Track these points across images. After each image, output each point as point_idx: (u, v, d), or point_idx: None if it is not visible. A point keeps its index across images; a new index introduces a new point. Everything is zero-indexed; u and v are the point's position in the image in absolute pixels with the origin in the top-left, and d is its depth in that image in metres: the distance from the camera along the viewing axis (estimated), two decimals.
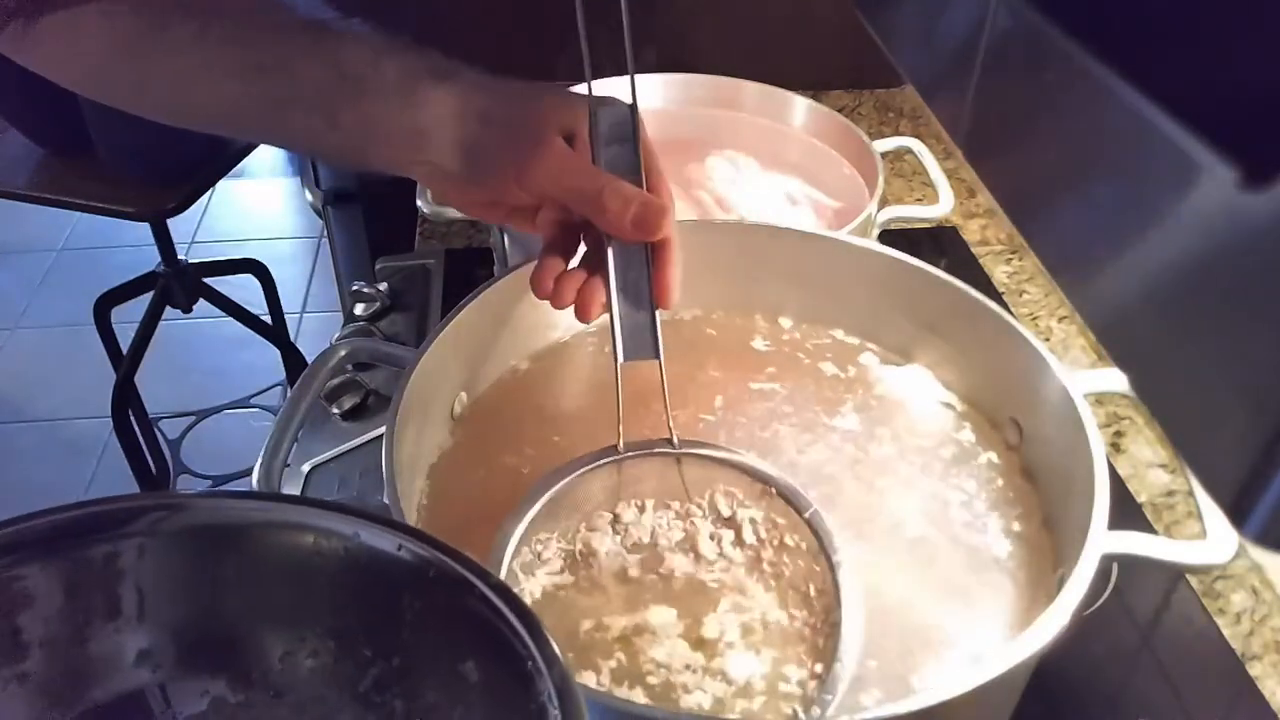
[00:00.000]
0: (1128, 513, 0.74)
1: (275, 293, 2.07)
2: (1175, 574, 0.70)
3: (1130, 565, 0.54)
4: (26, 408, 2.16)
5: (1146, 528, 0.73)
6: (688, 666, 0.50)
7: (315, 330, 2.39)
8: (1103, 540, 0.50)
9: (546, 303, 0.55)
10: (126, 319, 1.96)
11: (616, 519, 0.56)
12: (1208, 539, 0.53)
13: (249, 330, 2.04)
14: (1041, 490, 0.62)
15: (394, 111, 0.54)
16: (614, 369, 0.54)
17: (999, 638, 0.54)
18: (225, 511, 0.36)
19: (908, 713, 0.44)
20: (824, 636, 0.52)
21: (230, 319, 2.03)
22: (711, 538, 0.56)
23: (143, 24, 0.55)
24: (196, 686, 0.35)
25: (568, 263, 0.56)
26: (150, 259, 1.92)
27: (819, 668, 0.51)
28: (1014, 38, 0.33)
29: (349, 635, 0.36)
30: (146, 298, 1.95)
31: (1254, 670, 0.65)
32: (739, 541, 0.56)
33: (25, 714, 0.32)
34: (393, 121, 0.54)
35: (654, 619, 0.52)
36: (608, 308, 0.54)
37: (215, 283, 2.01)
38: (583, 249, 0.57)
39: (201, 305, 1.99)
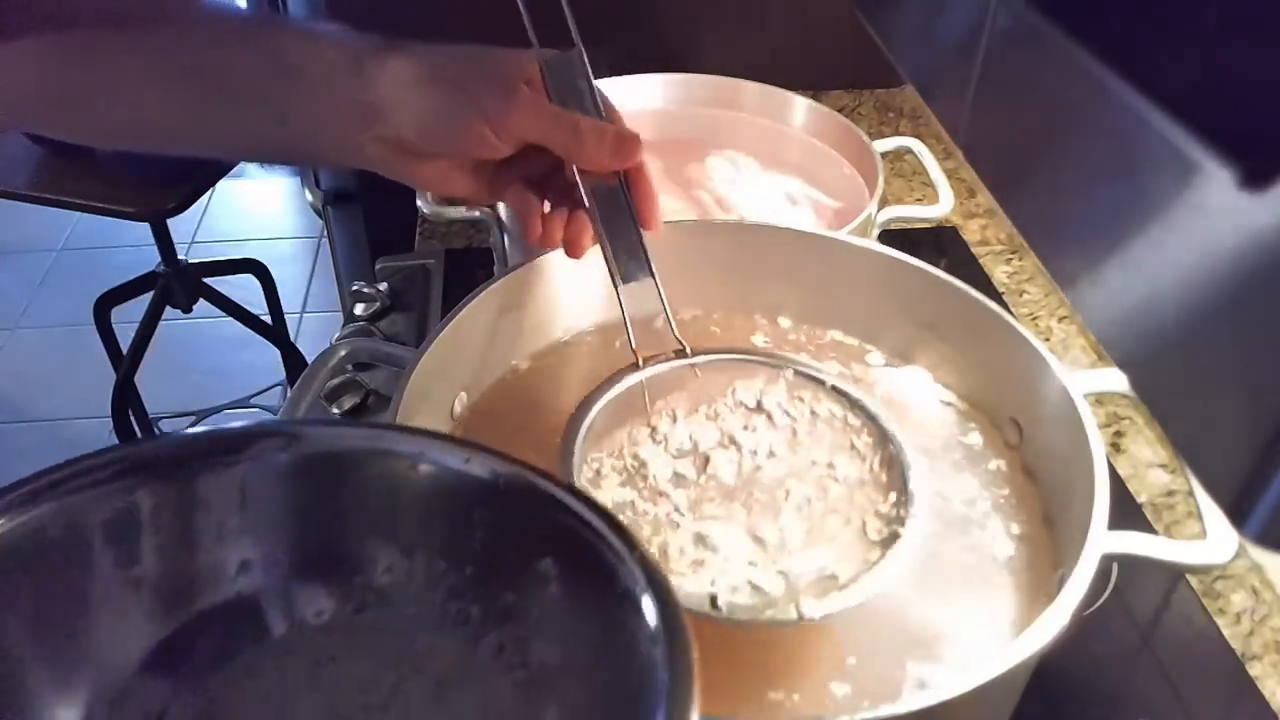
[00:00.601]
0: (1128, 513, 0.74)
1: (275, 293, 2.07)
2: (1175, 574, 0.70)
3: (1130, 565, 0.54)
4: (26, 408, 2.16)
5: (1146, 528, 0.73)
6: (764, 550, 0.53)
7: (315, 330, 2.39)
8: (1103, 540, 0.50)
9: (546, 302, 0.56)
10: (126, 319, 1.97)
11: (654, 431, 0.59)
12: (1208, 539, 0.53)
13: (249, 330, 2.04)
14: (1041, 490, 0.62)
15: (342, 93, 0.53)
16: (615, 294, 0.58)
17: (999, 638, 0.54)
18: (325, 439, 0.40)
19: (908, 713, 0.44)
20: (886, 471, 0.56)
21: (230, 319, 2.03)
22: (746, 428, 0.59)
23: (73, 45, 0.53)
24: (291, 597, 0.39)
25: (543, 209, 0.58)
26: (150, 259, 1.92)
27: (892, 496, 0.55)
28: (1014, 38, 0.33)
29: (432, 549, 0.39)
30: (146, 298, 1.95)
31: (1254, 670, 0.65)
32: (772, 425, 0.60)
33: (140, 616, 0.36)
34: (342, 103, 0.53)
35: (722, 512, 0.55)
36: (597, 238, 0.57)
37: (215, 283, 2.01)
38: (546, 207, 0.59)
39: (201, 305, 2.00)
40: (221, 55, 0.54)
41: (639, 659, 0.33)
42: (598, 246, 0.59)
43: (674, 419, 0.60)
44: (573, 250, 0.58)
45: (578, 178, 0.56)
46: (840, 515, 0.54)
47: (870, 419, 0.59)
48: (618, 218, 0.57)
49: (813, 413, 0.60)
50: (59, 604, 0.35)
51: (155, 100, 0.55)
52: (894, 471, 0.56)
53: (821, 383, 0.61)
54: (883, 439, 0.58)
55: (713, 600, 0.49)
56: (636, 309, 0.59)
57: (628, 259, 0.58)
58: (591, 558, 0.35)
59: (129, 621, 0.36)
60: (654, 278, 0.58)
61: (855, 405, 0.60)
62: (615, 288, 0.58)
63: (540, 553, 0.36)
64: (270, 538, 0.38)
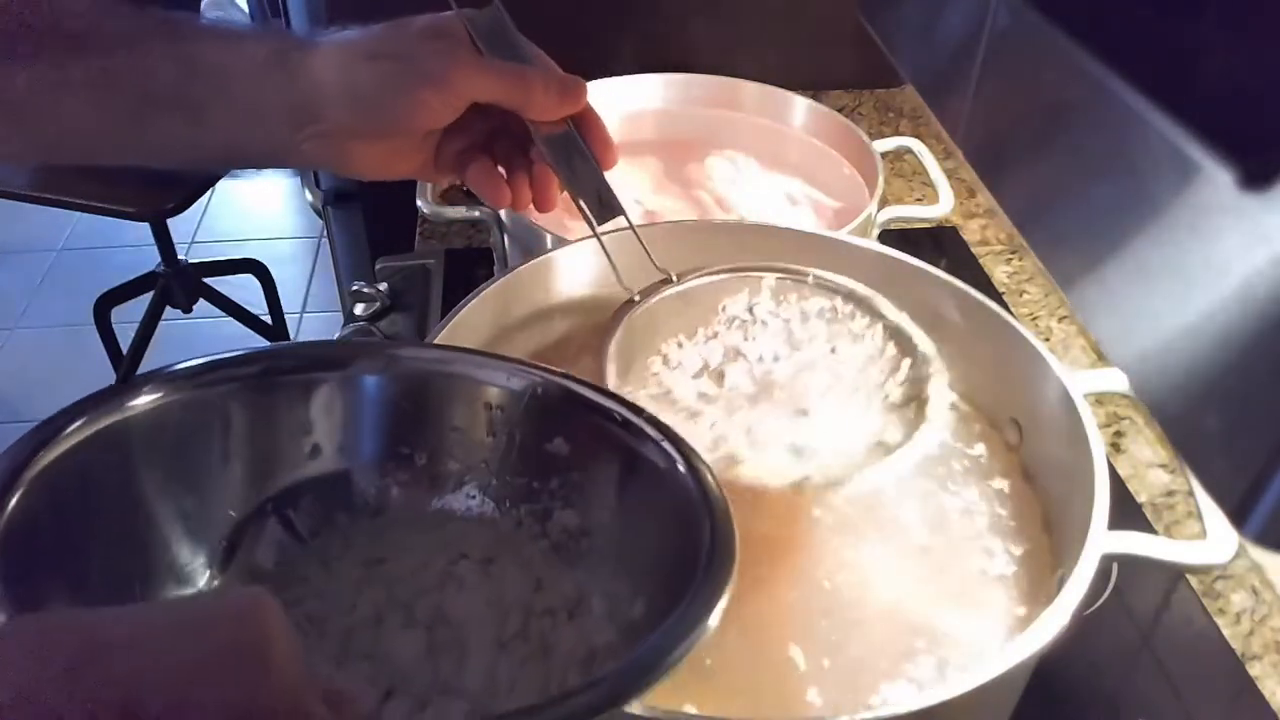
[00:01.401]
0: (1128, 513, 0.74)
1: (275, 293, 2.07)
2: (1175, 574, 0.70)
3: (1130, 565, 0.54)
4: (26, 408, 2.16)
5: (1146, 528, 0.73)
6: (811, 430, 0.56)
7: (315, 330, 2.38)
8: (1103, 540, 0.50)
9: (546, 302, 0.56)
10: (126, 319, 1.97)
11: (666, 359, 0.61)
12: (1208, 539, 0.53)
13: (249, 330, 2.04)
14: (1041, 490, 0.62)
15: (270, 91, 0.51)
16: (595, 237, 0.59)
17: (999, 637, 0.54)
18: (413, 358, 0.48)
19: (908, 713, 0.44)
20: (889, 342, 0.59)
21: (230, 319, 2.03)
22: (746, 339, 0.62)
23: None
24: (374, 478, 0.46)
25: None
26: (150, 259, 1.92)
27: (906, 362, 0.58)
28: (1014, 38, 0.33)
29: (498, 457, 0.46)
30: (146, 298, 1.95)
31: (1254, 670, 0.65)
32: (768, 330, 0.62)
33: (242, 485, 0.43)
34: (269, 102, 0.52)
35: (757, 414, 0.57)
36: (564, 187, 0.58)
37: (215, 283, 2.01)
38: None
39: (201, 305, 2.00)
40: (136, 58, 0.51)
41: (682, 524, 0.39)
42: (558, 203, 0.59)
43: (680, 344, 0.63)
44: (544, 204, 0.58)
45: (532, 130, 0.55)
46: (863, 392, 0.57)
47: (859, 302, 0.61)
48: (577, 163, 0.57)
49: (802, 312, 0.63)
50: (190, 465, 0.42)
51: (67, 110, 0.51)
52: (899, 339, 0.59)
53: (804, 278, 0.63)
54: (876, 316, 0.61)
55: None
56: (616, 249, 0.60)
57: (597, 201, 0.58)
58: (633, 445, 0.43)
59: (232, 488, 0.43)
60: (624, 214, 0.59)
61: (840, 293, 0.62)
62: (593, 231, 0.58)
63: (595, 450, 0.44)
64: (354, 434, 0.46)
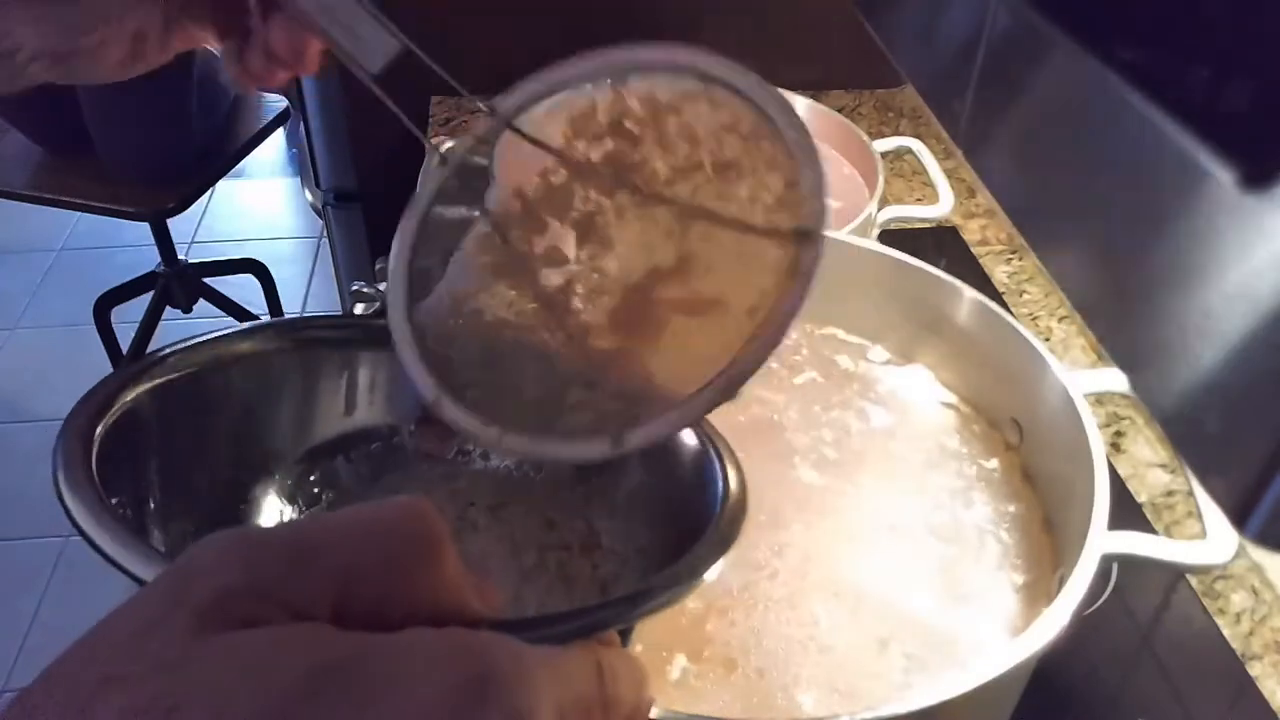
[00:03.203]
0: (1128, 513, 0.74)
1: (275, 293, 2.07)
2: (1175, 574, 0.70)
3: (1130, 565, 0.54)
4: (26, 408, 2.16)
5: (1146, 528, 0.73)
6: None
7: None
8: (1103, 540, 0.50)
9: None
10: (126, 319, 1.96)
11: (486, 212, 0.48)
12: (1208, 539, 0.53)
13: None
14: (1041, 490, 0.62)
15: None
16: (371, 85, 0.46)
17: (999, 638, 0.54)
18: None
19: (908, 713, 0.44)
20: (772, 148, 0.41)
21: (230, 319, 2.03)
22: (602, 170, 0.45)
23: None
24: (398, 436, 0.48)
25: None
26: (150, 259, 1.92)
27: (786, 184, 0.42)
28: (1014, 38, 0.33)
29: None
30: (146, 298, 1.95)
31: (1254, 670, 0.65)
32: (637, 143, 0.44)
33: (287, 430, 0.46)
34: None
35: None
36: (322, 39, 0.47)
37: (215, 283, 2.01)
38: None
39: (201, 305, 1.99)
40: None
41: (693, 465, 0.40)
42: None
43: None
44: (306, 66, 0.49)
45: None
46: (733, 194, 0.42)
47: (737, 92, 0.42)
48: (329, 4, 0.46)
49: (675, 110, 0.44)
50: (265, 405, 0.46)
51: None
52: (776, 145, 0.42)
53: (675, 69, 0.45)
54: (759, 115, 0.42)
55: None
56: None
57: (366, 43, 0.47)
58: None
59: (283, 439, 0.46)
60: (404, 41, 0.47)
61: (713, 80, 0.43)
62: (370, 84, 0.47)
63: None
64: (383, 395, 0.48)
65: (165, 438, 0.40)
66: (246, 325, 0.46)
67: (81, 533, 0.31)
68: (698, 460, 0.41)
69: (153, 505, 0.38)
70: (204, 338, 0.44)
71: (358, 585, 0.23)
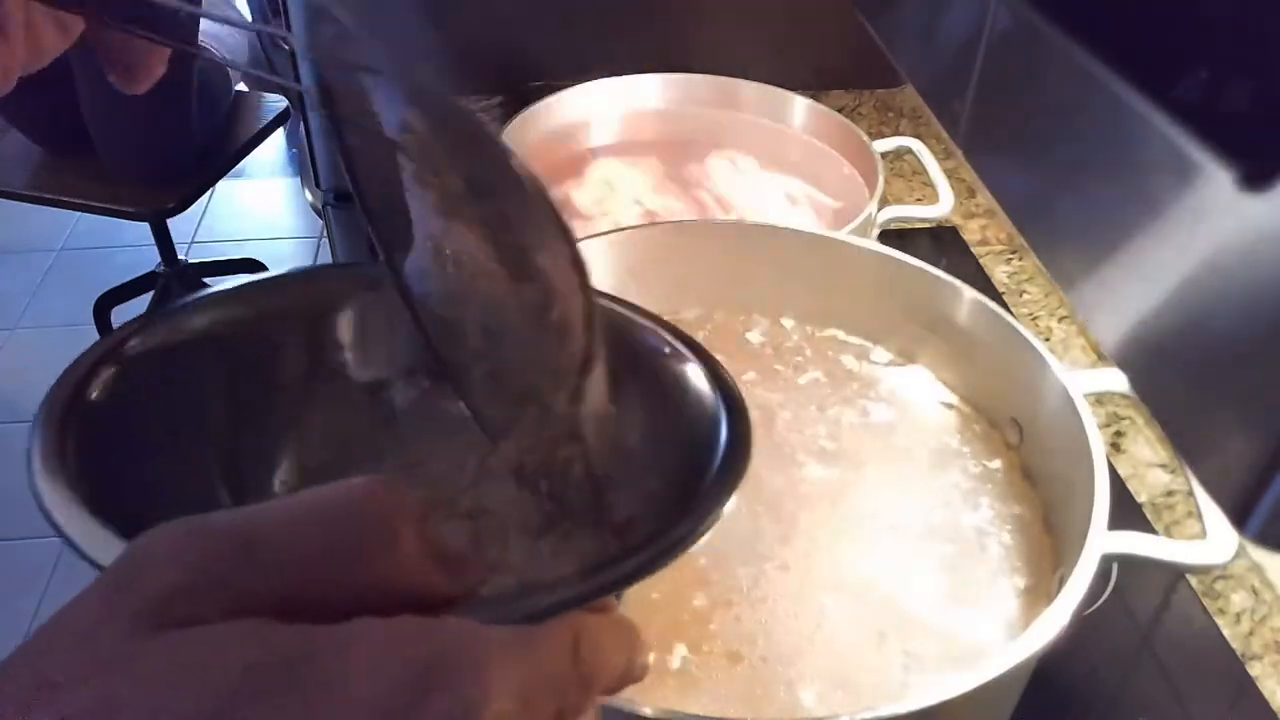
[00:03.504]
0: (1128, 513, 0.74)
1: None
2: (1175, 574, 0.70)
3: (1130, 565, 0.54)
4: (26, 408, 2.16)
5: (1146, 528, 0.73)
6: None
7: None
8: (1103, 540, 0.50)
9: None
10: (127, 319, 1.96)
11: None
12: (1208, 539, 0.53)
13: None
14: (1041, 490, 0.62)
15: None
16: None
17: (999, 638, 0.54)
18: None
19: (908, 713, 0.44)
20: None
21: None
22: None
23: None
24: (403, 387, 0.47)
25: None
26: (150, 259, 1.93)
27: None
28: (1014, 38, 0.33)
29: None
30: (146, 298, 1.96)
31: (1254, 670, 0.65)
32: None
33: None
34: None
35: None
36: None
37: (215, 283, 2.00)
38: None
39: None
40: None
41: (697, 410, 0.39)
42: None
43: None
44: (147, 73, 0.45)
45: None
46: None
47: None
48: None
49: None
50: (245, 377, 0.43)
51: None
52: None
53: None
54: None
55: None
56: None
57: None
58: (646, 342, 0.42)
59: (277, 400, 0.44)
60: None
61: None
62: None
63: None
64: (384, 345, 0.46)
65: (145, 418, 0.39)
66: (221, 290, 0.45)
67: (52, 524, 0.30)
68: (701, 398, 0.40)
69: (141, 493, 0.37)
70: (181, 305, 0.42)
71: (304, 576, 0.22)
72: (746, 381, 0.70)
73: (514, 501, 0.43)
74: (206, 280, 1.99)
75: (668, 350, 0.42)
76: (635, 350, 0.43)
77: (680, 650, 0.53)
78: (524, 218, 0.36)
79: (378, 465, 0.46)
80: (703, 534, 0.31)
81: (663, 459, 0.41)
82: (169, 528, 0.23)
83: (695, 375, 0.40)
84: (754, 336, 0.74)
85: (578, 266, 0.34)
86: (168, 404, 0.40)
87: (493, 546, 0.42)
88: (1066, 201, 0.30)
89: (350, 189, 0.42)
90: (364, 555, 0.23)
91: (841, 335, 0.74)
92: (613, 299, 0.45)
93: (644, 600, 0.55)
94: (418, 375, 0.47)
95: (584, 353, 0.36)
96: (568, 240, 0.33)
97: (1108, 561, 0.50)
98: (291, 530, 0.23)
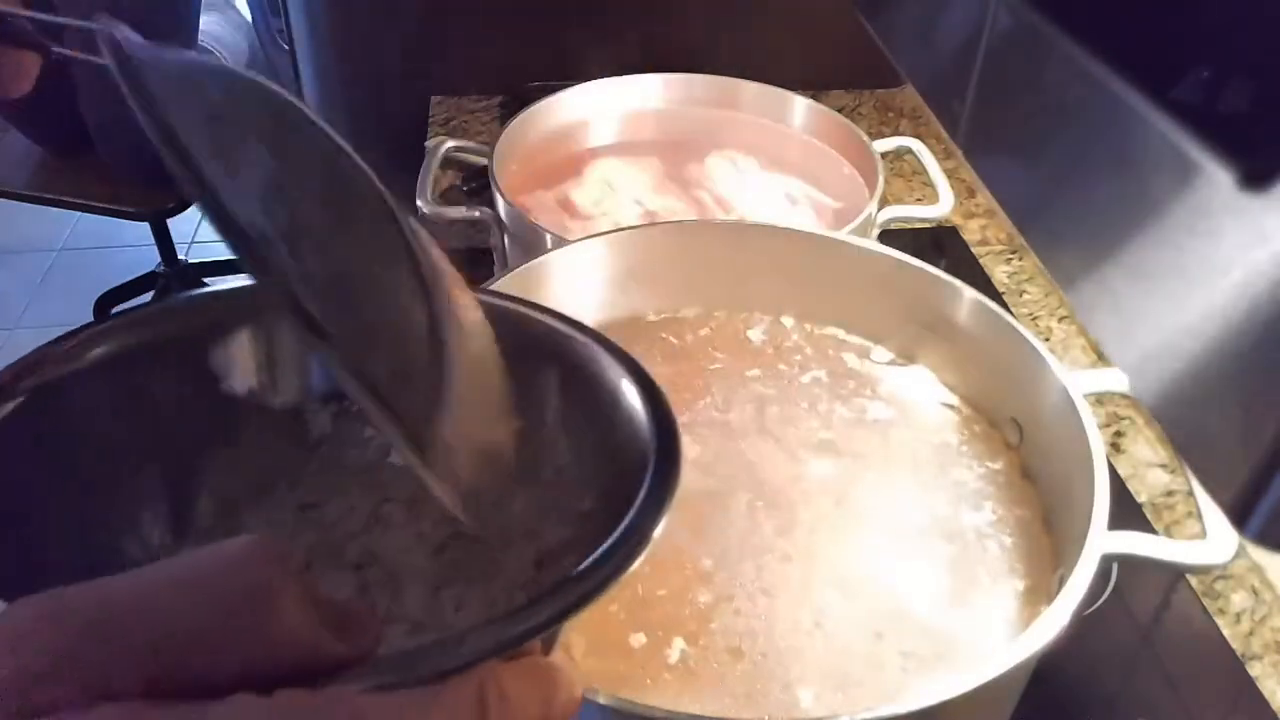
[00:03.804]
0: (1128, 513, 0.74)
1: None
2: (1175, 574, 0.70)
3: (1130, 565, 0.54)
4: None
5: (1146, 528, 0.73)
6: None
7: None
8: (1103, 540, 0.50)
9: (546, 302, 0.54)
10: None
11: None
12: (1208, 539, 0.53)
13: None
14: (1041, 490, 0.62)
15: None
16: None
17: (999, 638, 0.54)
18: None
19: (908, 713, 0.44)
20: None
21: None
22: None
23: None
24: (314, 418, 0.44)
25: None
26: (150, 259, 1.93)
27: None
28: (1014, 38, 0.33)
29: None
30: (146, 298, 1.96)
31: (1254, 670, 0.65)
32: None
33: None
34: None
35: None
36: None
37: (215, 282, 2.01)
38: None
39: None
40: None
41: (624, 423, 0.37)
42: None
43: None
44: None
45: None
46: None
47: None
48: None
49: None
50: (131, 420, 0.40)
51: None
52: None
53: None
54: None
55: None
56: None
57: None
58: (569, 354, 0.40)
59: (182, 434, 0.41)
60: None
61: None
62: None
63: (531, 367, 0.40)
64: (291, 371, 0.43)
65: (29, 470, 0.36)
66: (105, 325, 0.41)
67: None
68: (626, 413, 0.37)
69: (30, 552, 0.34)
70: (64, 340, 0.38)
71: (173, 653, 0.21)
72: (750, 378, 0.70)
73: (409, 549, 0.41)
74: (206, 280, 1.99)
75: (599, 365, 0.40)
76: (565, 365, 0.41)
77: (679, 643, 0.53)
78: (363, 231, 0.34)
79: (290, 498, 0.43)
80: (628, 569, 0.29)
81: (596, 478, 0.39)
82: (24, 605, 0.21)
83: (629, 392, 0.38)
84: (756, 335, 0.74)
85: (422, 278, 0.32)
86: (52, 451, 0.37)
87: (380, 596, 0.40)
88: (1066, 201, 0.30)
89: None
90: (240, 627, 0.21)
91: (842, 335, 0.74)
92: (549, 313, 0.42)
93: (645, 595, 0.55)
94: (331, 402, 0.44)
95: (440, 368, 0.33)
96: (407, 248, 0.31)
97: (1108, 561, 0.50)
98: (158, 604, 0.21)
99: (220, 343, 0.42)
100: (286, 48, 1.34)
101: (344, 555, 0.42)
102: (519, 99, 1.06)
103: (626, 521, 0.31)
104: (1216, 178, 0.21)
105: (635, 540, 0.30)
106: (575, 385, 0.41)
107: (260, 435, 0.42)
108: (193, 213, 1.94)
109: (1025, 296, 0.98)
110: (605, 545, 0.30)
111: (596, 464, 0.39)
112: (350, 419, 0.44)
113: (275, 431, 0.43)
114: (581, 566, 0.29)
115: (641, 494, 0.32)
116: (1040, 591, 0.56)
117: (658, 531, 0.30)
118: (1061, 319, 0.94)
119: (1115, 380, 0.61)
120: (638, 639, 0.53)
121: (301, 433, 0.44)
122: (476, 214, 0.88)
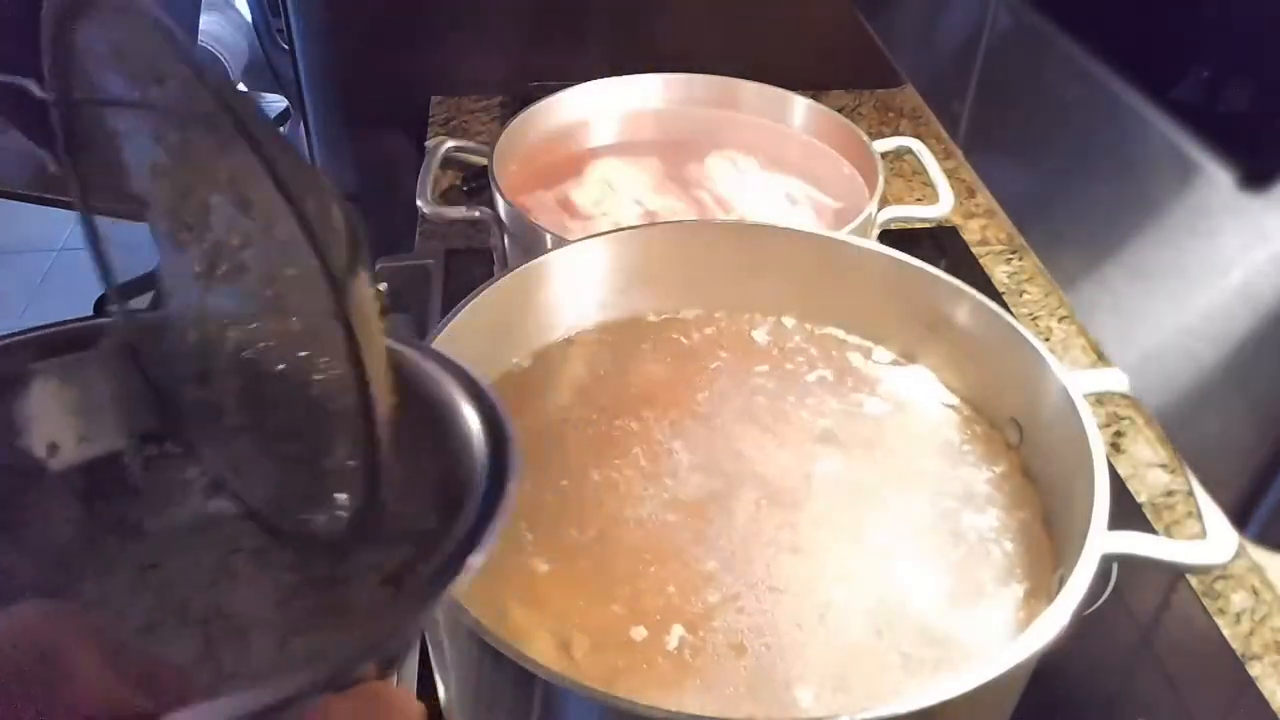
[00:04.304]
0: (1128, 513, 0.74)
1: None
2: (1175, 574, 0.70)
3: (1130, 565, 0.54)
4: None
5: (1146, 528, 0.73)
6: None
7: None
8: (1103, 540, 0.50)
9: (546, 302, 0.55)
10: None
11: None
12: (1208, 539, 0.53)
13: None
14: (1041, 490, 0.62)
15: None
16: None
17: (999, 637, 0.54)
18: None
19: (908, 713, 0.44)
20: None
21: None
22: None
23: None
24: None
25: None
26: (150, 259, 1.92)
27: None
28: (1014, 38, 0.33)
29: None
30: (146, 298, 1.95)
31: (1254, 670, 0.65)
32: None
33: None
34: None
35: None
36: None
37: None
38: None
39: None
40: None
41: (461, 440, 0.36)
42: None
43: None
44: None
45: None
46: None
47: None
48: None
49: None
50: None
51: None
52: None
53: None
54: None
55: None
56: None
57: None
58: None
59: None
60: None
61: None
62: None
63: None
64: (98, 426, 0.41)
65: None
66: None
67: None
68: (468, 433, 0.36)
69: None
70: None
71: None
72: (753, 378, 0.70)
73: (259, 600, 0.40)
74: None
75: (433, 385, 0.39)
76: (401, 380, 0.38)
77: (678, 630, 0.53)
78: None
79: (125, 560, 0.41)
80: (437, 604, 0.28)
81: (432, 494, 0.37)
82: None
83: (467, 409, 0.37)
84: (760, 335, 0.74)
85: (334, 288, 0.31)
86: None
87: (228, 653, 0.39)
88: (1066, 201, 0.30)
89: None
90: (33, 692, 0.21)
91: (842, 335, 0.74)
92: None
93: (649, 592, 0.55)
94: (150, 442, 0.42)
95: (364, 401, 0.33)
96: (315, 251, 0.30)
97: (1108, 561, 0.50)
98: None
99: (19, 394, 0.39)
100: (286, 48, 1.34)
101: (188, 613, 0.40)
102: (519, 99, 1.06)
103: (434, 563, 0.30)
104: (1216, 178, 0.21)
105: (449, 572, 0.29)
106: (412, 405, 0.38)
107: (61, 500, 0.40)
108: None
109: (1025, 296, 0.98)
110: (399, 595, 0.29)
111: (435, 486, 0.38)
112: (164, 465, 0.42)
113: (74, 493, 0.40)
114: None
115: (468, 521, 0.31)
116: (1040, 591, 0.56)
117: (479, 560, 0.29)
118: (1061, 319, 0.94)
119: (1115, 380, 0.61)
120: (639, 632, 0.53)
121: (112, 487, 0.41)
122: (476, 214, 0.88)
